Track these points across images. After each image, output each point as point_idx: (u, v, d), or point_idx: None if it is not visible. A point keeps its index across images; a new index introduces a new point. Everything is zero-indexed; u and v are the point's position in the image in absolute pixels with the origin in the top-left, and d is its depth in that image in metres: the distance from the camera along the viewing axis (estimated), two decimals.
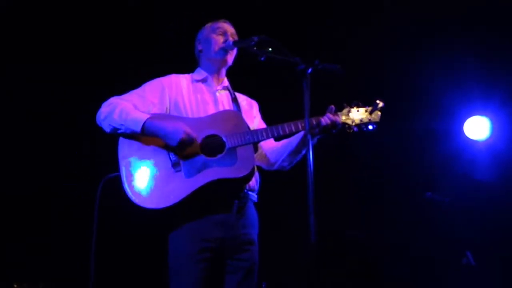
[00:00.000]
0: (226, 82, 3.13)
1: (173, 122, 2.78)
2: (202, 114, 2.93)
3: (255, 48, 2.80)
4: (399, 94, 5.30)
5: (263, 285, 4.47)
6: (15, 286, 4.20)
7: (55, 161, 4.95)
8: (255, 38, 2.79)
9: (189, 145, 2.75)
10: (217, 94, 3.06)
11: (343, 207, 5.36)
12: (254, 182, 2.95)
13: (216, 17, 3.17)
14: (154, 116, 2.81)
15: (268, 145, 3.11)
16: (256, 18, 4.71)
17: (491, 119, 5.43)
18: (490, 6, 4.94)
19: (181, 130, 2.73)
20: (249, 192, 2.93)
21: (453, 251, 4.84)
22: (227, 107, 3.04)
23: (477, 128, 5.44)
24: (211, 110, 2.97)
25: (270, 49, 2.77)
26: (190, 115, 2.93)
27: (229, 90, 3.12)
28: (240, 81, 3.27)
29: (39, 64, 4.83)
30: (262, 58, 2.77)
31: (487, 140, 5.43)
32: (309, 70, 2.59)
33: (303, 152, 3.03)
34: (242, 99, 3.18)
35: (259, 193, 3.03)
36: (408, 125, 5.25)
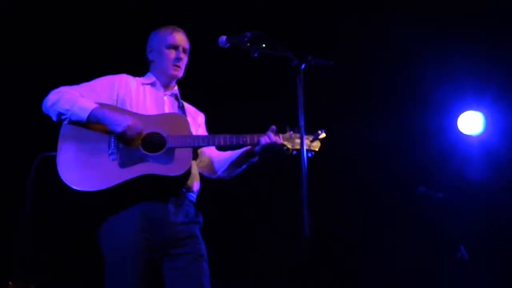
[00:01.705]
0: (175, 90, 3.18)
1: (122, 113, 2.82)
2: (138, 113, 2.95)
3: (248, 44, 2.80)
4: (392, 90, 5.31)
5: None
6: (10, 283, 4.19)
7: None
8: (248, 34, 2.79)
9: (133, 135, 2.78)
10: (165, 98, 3.11)
11: (335, 203, 5.38)
12: (193, 185, 2.99)
13: (175, 22, 3.20)
14: (103, 105, 2.84)
15: (212, 154, 3.17)
16: (255, 16, 4.72)
17: (484, 114, 5.44)
18: (483, 1, 4.95)
19: (129, 119, 2.78)
20: (187, 193, 2.96)
21: (447, 246, 4.85)
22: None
23: (471, 123, 5.46)
24: (153, 113, 3.00)
25: (263, 45, 2.78)
26: None
27: (177, 98, 3.17)
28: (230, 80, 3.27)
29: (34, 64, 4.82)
30: (255, 54, 2.78)
31: (480, 135, 5.45)
32: (303, 66, 2.60)
33: (244, 167, 3.12)
34: (189, 107, 3.22)
35: (198, 197, 3.05)
36: (402, 121, 5.26)
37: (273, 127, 2.96)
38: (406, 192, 5.06)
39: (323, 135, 3.00)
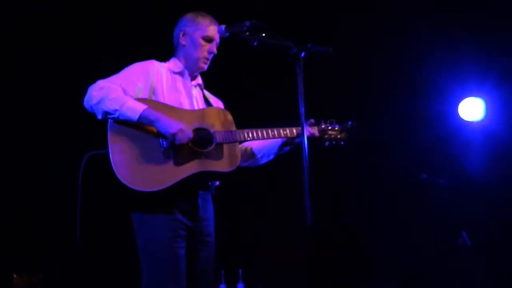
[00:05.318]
0: (199, 80, 3.18)
1: (170, 117, 2.80)
2: (176, 106, 2.95)
3: (247, 33, 2.80)
4: (393, 76, 5.31)
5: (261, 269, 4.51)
6: (15, 276, 4.22)
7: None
8: (247, 23, 2.79)
9: (183, 142, 2.77)
10: (192, 91, 3.11)
11: (337, 191, 5.39)
12: None
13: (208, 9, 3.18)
14: (150, 104, 2.83)
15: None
16: (254, 6, 4.72)
17: (485, 100, 5.43)
18: None
19: (179, 124, 2.77)
20: (212, 186, 3.03)
21: (449, 232, 4.87)
22: (200, 105, 3.10)
23: (472, 109, 5.45)
24: (186, 105, 3.01)
25: (262, 34, 2.78)
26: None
27: (201, 88, 3.17)
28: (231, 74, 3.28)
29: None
30: (255, 43, 2.77)
31: (481, 121, 5.44)
32: (302, 54, 2.60)
33: (273, 157, 3.23)
34: (212, 97, 3.24)
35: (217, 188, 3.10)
36: (403, 107, 5.26)
37: (311, 120, 3.11)
38: (408, 178, 5.07)
39: (350, 126, 3.19)
